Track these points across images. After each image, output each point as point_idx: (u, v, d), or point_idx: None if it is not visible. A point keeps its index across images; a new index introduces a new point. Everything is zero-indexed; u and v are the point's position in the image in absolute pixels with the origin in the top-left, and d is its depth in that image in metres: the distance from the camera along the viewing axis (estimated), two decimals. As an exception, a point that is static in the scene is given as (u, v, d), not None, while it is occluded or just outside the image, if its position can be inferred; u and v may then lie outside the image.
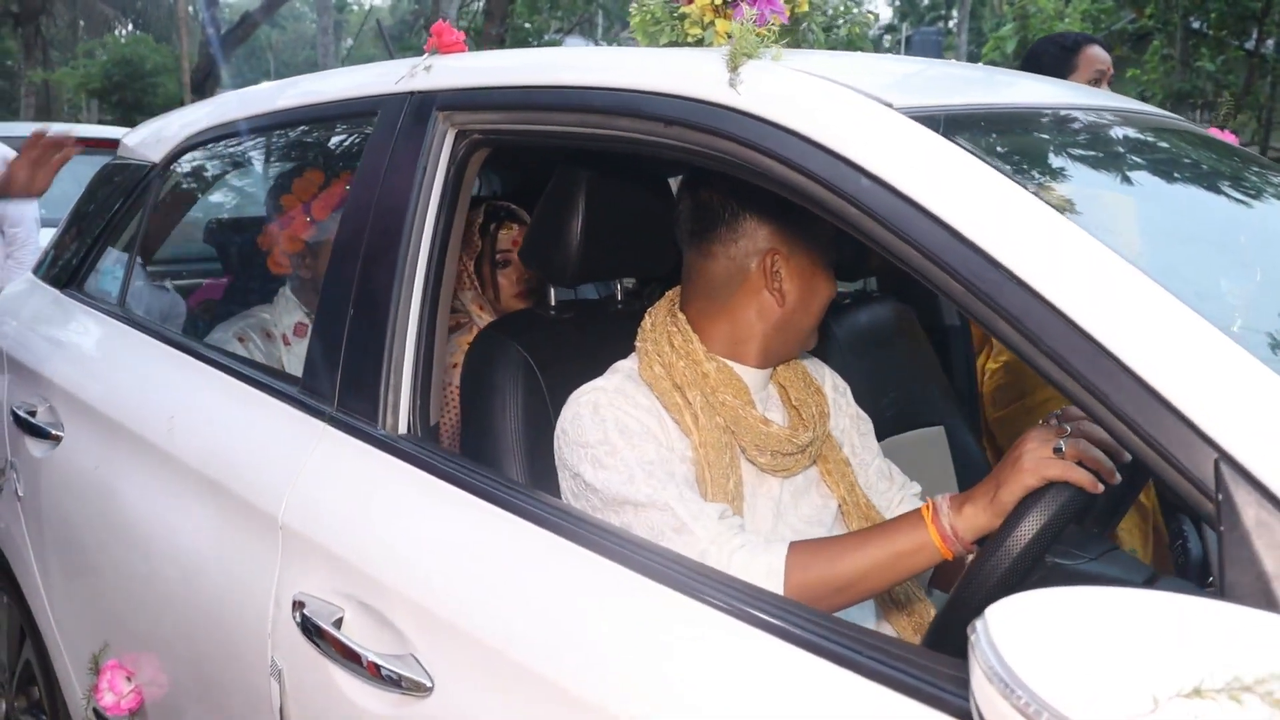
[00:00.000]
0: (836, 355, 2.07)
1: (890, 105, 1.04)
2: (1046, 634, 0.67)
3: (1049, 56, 2.81)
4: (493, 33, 11.62)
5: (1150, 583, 1.19)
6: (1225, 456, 0.74)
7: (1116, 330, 0.81)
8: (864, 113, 1.03)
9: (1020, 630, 0.67)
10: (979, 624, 0.69)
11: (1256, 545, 0.72)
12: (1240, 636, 0.63)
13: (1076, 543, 1.21)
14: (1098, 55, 2.80)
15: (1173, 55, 12.45)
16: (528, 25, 20.83)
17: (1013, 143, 1.10)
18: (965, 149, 0.97)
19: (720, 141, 1.10)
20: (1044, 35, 3.24)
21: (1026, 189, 0.92)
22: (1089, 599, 0.69)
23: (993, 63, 15.91)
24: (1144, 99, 13.40)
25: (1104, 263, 0.86)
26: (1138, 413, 0.79)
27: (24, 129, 6.07)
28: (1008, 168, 0.96)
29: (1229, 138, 1.93)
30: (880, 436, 2.08)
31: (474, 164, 1.44)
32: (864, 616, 1.41)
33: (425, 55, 1.55)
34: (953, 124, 1.04)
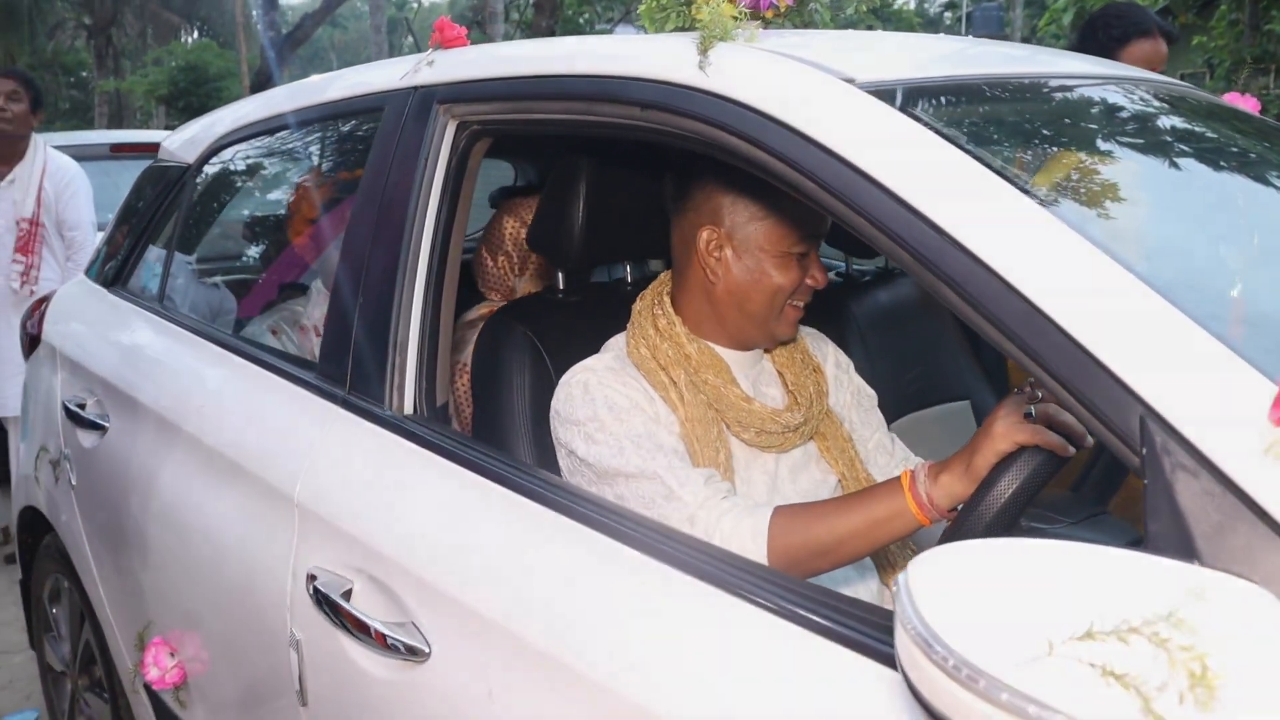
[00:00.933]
0: (855, 334, 2.08)
1: (853, 81, 1.06)
2: (961, 586, 0.69)
3: (1095, 45, 2.59)
4: (543, 25, 11.66)
5: (1134, 546, 1.20)
6: (1150, 411, 0.76)
7: (1047, 291, 0.83)
8: (823, 89, 1.05)
9: (936, 582, 0.70)
10: (901, 578, 0.72)
11: (1178, 496, 0.73)
12: (1133, 581, 0.65)
13: (1060, 508, 1.22)
14: (1144, 54, 2.55)
15: (1241, 19, 12.05)
16: (582, 19, 20.84)
17: (973, 113, 1.11)
18: (918, 120, 0.99)
19: (693, 123, 1.13)
20: (1103, 4, 2.89)
21: (970, 156, 0.94)
22: (1004, 550, 0.71)
23: (1055, 36, 15.52)
24: (1210, 66, 12.98)
25: (1039, 226, 0.87)
26: (1070, 371, 0.81)
27: (97, 138, 6.29)
28: (960, 137, 0.97)
29: (1249, 103, 1.89)
30: (904, 411, 2.10)
31: (476, 154, 1.48)
32: (865, 579, 1.44)
33: (429, 50, 1.60)
34: (913, 96, 1.05)
